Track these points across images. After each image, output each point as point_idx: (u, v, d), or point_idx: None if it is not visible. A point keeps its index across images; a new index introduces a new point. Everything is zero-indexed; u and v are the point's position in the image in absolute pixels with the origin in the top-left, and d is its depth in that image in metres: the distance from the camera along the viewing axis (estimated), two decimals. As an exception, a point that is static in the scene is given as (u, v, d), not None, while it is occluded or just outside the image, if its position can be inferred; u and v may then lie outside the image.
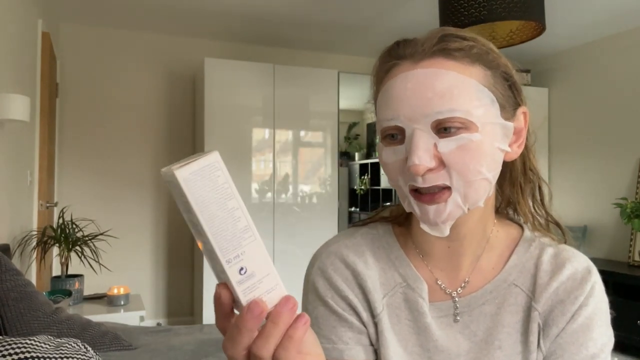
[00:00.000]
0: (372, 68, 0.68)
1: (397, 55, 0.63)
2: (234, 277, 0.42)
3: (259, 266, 0.43)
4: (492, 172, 0.62)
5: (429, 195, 0.60)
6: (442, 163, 0.59)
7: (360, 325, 0.68)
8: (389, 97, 0.61)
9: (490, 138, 0.60)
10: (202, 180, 0.41)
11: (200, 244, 0.44)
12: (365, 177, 6.86)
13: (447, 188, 0.60)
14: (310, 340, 0.46)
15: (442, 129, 0.59)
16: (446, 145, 0.58)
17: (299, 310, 0.45)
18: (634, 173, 3.76)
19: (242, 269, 0.43)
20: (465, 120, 0.58)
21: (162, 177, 0.43)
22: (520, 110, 0.65)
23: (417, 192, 0.61)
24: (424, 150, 0.58)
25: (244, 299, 0.42)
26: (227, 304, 0.43)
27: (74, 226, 2.87)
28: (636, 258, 3.59)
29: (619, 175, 3.87)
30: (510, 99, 0.63)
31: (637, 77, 3.76)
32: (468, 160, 0.59)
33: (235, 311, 0.44)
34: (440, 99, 0.58)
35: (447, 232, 0.62)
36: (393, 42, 0.65)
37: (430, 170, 0.59)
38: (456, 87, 0.58)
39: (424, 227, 0.62)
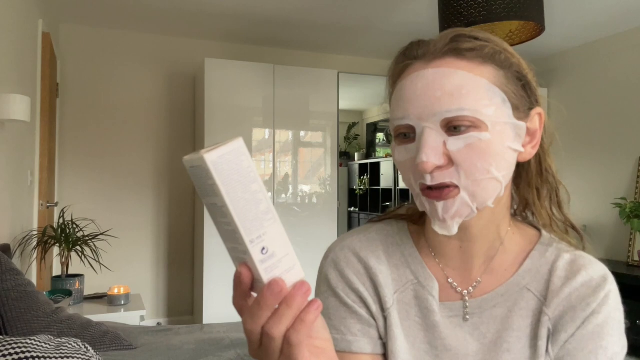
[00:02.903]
0: (388, 69, 0.69)
1: (410, 56, 0.64)
2: (256, 257, 0.44)
3: (279, 246, 0.45)
4: (503, 172, 0.61)
5: (437, 192, 0.61)
6: (451, 161, 0.60)
7: (369, 318, 0.69)
8: (401, 97, 0.62)
9: (500, 137, 0.60)
10: (229, 164, 0.43)
11: (219, 228, 0.46)
12: (365, 177, 6.87)
13: (456, 186, 0.60)
14: (319, 325, 0.49)
15: (452, 127, 0.59)
16: (455, 144, 0.59)
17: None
18: (633, 173, 3.77)
19: (263, 248, 0.44)
20: (474, 119, 0.59)
21: (184, 164, 0.45)
22: (535, 111, 0.65)
23: (427, 189, 0.62)
24: (432, 148, 0.59)
25: (265, 277, 0.44)
26: (247, 283, 0.45)
27: (75, 226, 2.88)
28: (635, 258, 3.60)
29: (618, 175, 3.88)
30: (524, 99, 0.63)
31: (637, 78, 3.76)
32: (476, 159, 0.59)
33: (253, 293, 0.47)
34: (449, 97, 0.59)
35: (455, 231, 0.62)
36: (407, 43, 0.66)
37: (438, 168, 0.60)
38: (465, 87, 0.59)
39: (434, 226, 0.63)
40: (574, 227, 0.72)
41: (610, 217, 3.87)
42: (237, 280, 0.45)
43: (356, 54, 4.52)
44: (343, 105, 4.10)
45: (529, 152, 0.65)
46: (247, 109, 3.72)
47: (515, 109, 0.62)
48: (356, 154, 7.14)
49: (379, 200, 6.61)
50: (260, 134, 3.79)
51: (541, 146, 0.67)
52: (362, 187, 6.91)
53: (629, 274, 3.29)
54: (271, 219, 0.45)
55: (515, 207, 0.73)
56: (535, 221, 0.73)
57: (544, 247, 0.70)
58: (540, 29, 2.39)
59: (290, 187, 3.91)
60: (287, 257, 0.46)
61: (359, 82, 4.79)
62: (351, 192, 7.20)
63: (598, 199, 4.01)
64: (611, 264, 4.05)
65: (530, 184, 0.70)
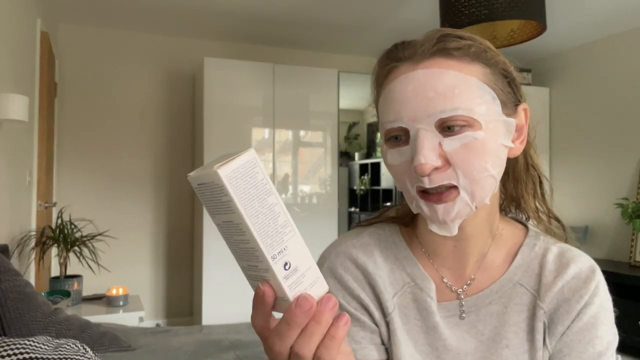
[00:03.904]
0: (372, 72, 0.68)
1: (396, 57, 0.64)
2: (280, 273, 0.42)
3: (301, 260, 0.43)
4: (497, 169, 0.62)
5: (436, 195, 0.60)
6: (447, 162, 0.59)
7: (372, 324, 0.68)
8: (391, 100, 0.62)
9: (493, 135, 0.61)
10: (243, 177, 0.41)
11: (233, 246, 0.43)
12: (365, 177, 6.85)
13: (454, 187, 0.60)
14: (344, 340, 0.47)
15: (446, 127, 0.59)
16: (450, 144, 0.59)
17: None
18: (635, 173, 3.76)
19: (286, 264, 0.42)
20: (469, 118, 0.59)
21: (190, 181, 0.42)
22: (521, 107, 0.66)
23: (424, 192, 0.61)
24: (429, 149, 0.58)
25: (290, 294, 0.42)
26: (270, 303, 0.43)
27: (73, 226, 2.86)
28: (637, 258, 3.59)
29: (620, 175, 3.87)
30: (511, 96, 0.64)
31: (638, 77, 3.76)
32: (473, 158, 0.59)
33: (274, 312, 0.44)
34: (443, 98, 0.58)
35: (455, 231, 0.62)
36: (391, 45, 0.66)
37: (436, 169, 0.59)
38: (457, 86, 0.59)
39: (432, 227, 0.62)
40: (557, 219, 0.73)
41: (612, 217, 3.86)
42: (260, 300, 0.43)
43: (356, 53, 4.51)
44: (343, 104, 4.09)
45: (518, 148, 0.66)
46: (246, 109, 3.70)
47: (504, 105, 0.63)
48: (356, 154, 7.12)
49: (379, 200, 6.60)
50: (260, 134, 3.78)
51: (527, 141, 0.68)
52: (362, 187, 6.90)
53: (631, 275, 3.28)
54: (290, 231, 0.43)
55: (501, 201, 0.74)
56: (518, 216, 0.75)
57: (531, 242, 0.71)
58: (541, 27, 2.38)
59: (290, 187, 3.89)
60: (310, 270, 0.44)
61: (359, 82, 4.78)
62: (351, 192, 7.18)
63: (600, 199, 4.01)
64: (613, 264, 4.04)
65: (518, 179, 0.72)
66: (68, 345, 1.07)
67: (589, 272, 0.67)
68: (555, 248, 0.69)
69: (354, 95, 5.80)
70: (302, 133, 3.94)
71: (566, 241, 0.72)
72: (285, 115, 3.83)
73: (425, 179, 0.59)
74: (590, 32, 3.92)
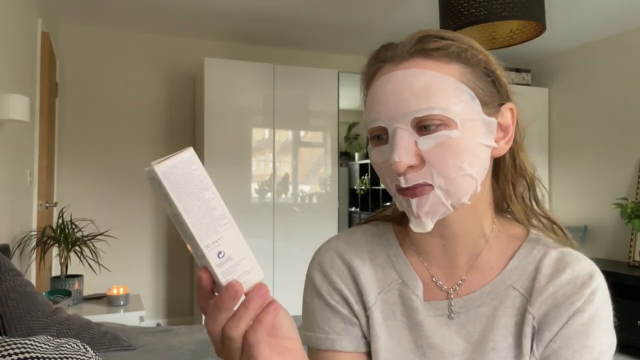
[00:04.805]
0: (361, 73, 0.70)
1: (380, 58, 0.66)
2: (212, 261, 0.46)
3: (236, 250, 0.48)
4: (476, 169, 0.62)
5: (411, 190, 0.62)
6: (423, 161, 0.60)
7: (352, 317, 0.70)
8: (373, 100, 0.64)
9: (471, 134, 0.61)
10: (180, 173, 0.45)
11: (182, 235, 0.48)
12: (366, 177, 6.85)
13: (429, 185, 0.61)
14: (286, 325, 0.51)
15: (422, 127, 0.60)
16: (425, 143, 0.60)
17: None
18: (634, 173, 3.76)
19: (220, 252, 0.47)
20: (444, 117, 0.59)
21: (145, 176, 0.47)
22: (507, 106, 0.65)
23: (402, 189, 0.63)
24: (403, 148, 0.60)
25: (223, 280, 0.47)
26: (207, 286, 0.48)
27: (74, 226, 2.87)
28: (636, 258, 3.59)
29: (619, 175, 3.87)
30: (493, 95, 0.64)
31: (638, 77, 3.76)
32: (448, 156, 0.60)
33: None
34: (418, 97, 0.60)
35: (429, 228, 0.62)
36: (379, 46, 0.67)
37: (411, 168, 0.60)
38: (433, 85, 0.60)
39: (411, 224, 0.63)
40: (552, 221, 0.71)
41: (611, 217, 3.87)
42: (198, 283, 0.48)
43: (356, 53, 4.51)
44: (343, 105, 4.09)
45: (503, 147, 0.66)
46: (247, 109, 3.71)
47: (485, 105, 0.63)
48: (356, 154, 7.12)
49: (379, 200, 6.60)
50: (260, 134, 3.79)
51: (515, 141, 0.67)
52: (362, 187, 6.90)
53: (630, 275, 3.28)
54: (226, 224, 0.47)
55: (497, 202, 0.73)
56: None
57: (531, 245, 0.69)
58: (541, 28, 2.38)
59: (290, 187, 3.90)
60: (245, 259, 0.48)
61: (359, 82, 4.79)
62: (352, 192, 7.18)
63: (599, 199, 4.01)
64: (612, 264, 4.04)
65: (507, 179, 0.71)
66: (69, 345, 1.08)
67: (586, 277, 0.64)
68: (555, 252, 0.67)
69: (354, 95, 5.79)
70: (302, 133, 3.95)
71: (570, 245, 0.69)
72: (285, 115, 3.83)
73: (401, 179, 0.61)
74: (589, 33, 3.92)
